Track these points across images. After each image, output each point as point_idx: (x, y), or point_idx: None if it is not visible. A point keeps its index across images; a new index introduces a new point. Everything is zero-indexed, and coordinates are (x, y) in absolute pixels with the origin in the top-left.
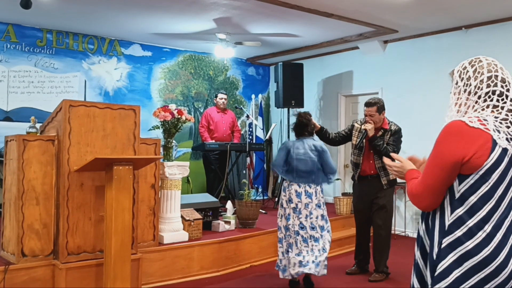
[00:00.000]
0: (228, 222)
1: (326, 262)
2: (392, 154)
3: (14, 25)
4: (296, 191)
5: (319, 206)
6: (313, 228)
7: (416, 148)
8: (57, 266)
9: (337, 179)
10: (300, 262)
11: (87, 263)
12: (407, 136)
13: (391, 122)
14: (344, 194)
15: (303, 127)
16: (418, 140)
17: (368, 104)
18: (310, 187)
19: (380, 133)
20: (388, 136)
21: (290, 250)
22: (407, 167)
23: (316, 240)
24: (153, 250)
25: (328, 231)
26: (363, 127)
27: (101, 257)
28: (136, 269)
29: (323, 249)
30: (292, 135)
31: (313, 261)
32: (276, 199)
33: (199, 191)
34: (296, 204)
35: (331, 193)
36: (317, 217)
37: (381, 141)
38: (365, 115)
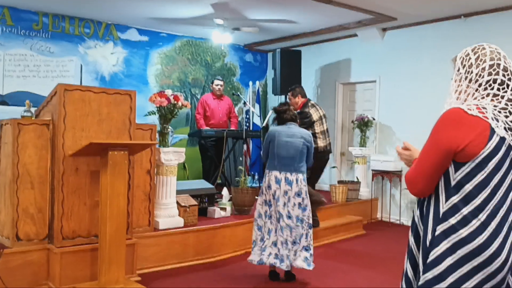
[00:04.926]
0: (223, 209)
1: (306, 255)
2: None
3: (10, 8)
4: (276, 177)
5: (299, 195)
6: (289, 217)
7: (413, 136)
8: (52, 250)
9: (333, 167)
10: (276, 254)
11: (82, 248)
12: (404, 125)
13: (311, 105)
14: (340, 182)
15: (281, 115)
16: (416, 128)
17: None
18: (291, 174)
19: None
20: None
21: (268, 237)
22: (415, 156)
23: (291, 229)
24: (148, 236)
25: (301, 220)
26: None
27: (96, 242)
28: (131, 254)
29: (294, 242)
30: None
31: (287, 256)
32: None
33: (195, 178)
34: (275, 191)
35: (327, 181)
36: (294, 205)
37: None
38: None
